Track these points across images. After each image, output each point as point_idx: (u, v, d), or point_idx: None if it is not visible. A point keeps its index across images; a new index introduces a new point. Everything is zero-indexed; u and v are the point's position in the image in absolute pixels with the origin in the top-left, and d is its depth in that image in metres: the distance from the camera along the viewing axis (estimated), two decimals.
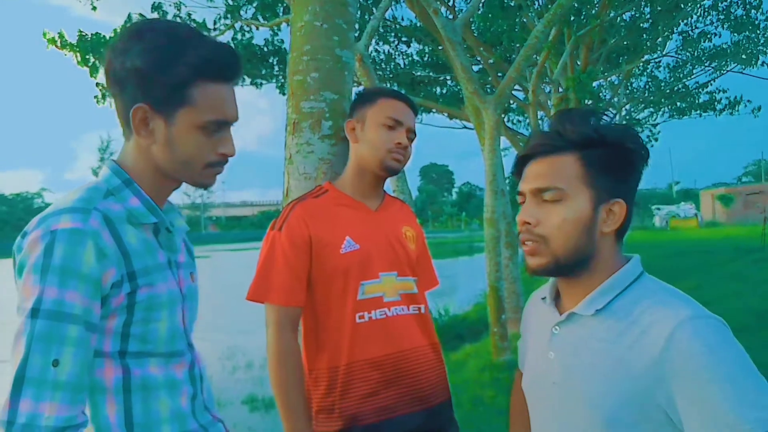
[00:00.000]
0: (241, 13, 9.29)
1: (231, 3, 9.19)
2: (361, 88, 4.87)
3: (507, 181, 8.78)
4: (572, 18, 8.64)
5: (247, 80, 10.75)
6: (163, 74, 1.13)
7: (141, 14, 8.23)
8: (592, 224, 1.10)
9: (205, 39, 1.17)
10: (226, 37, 9.63)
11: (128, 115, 1.16)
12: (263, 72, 10.43)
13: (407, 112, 1.89)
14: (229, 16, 9.23)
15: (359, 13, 9.43)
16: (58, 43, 8.40)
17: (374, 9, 7.36)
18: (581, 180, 1.10)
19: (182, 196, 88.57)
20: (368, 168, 1.86)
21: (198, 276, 1.39)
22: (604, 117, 1.13)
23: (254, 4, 9.32)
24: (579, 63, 10.78)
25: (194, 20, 9.21)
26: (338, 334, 1.77)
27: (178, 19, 9.02)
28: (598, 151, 1.10)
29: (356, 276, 1.78)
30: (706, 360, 0.95)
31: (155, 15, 8.75)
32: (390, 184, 4.93)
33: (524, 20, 9.50)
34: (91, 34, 8.51)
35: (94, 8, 8.50)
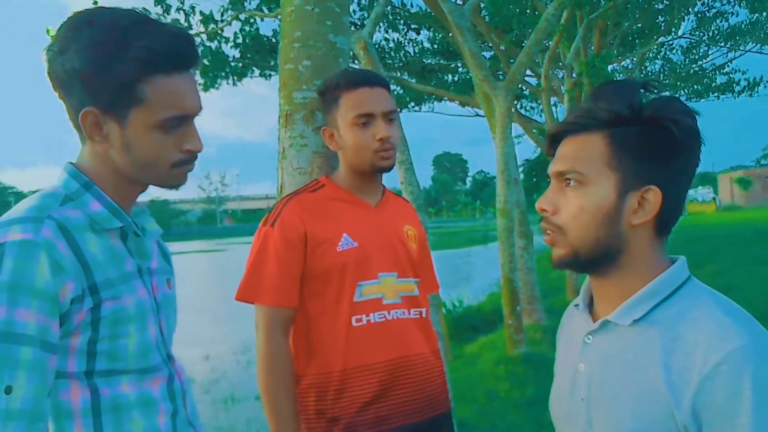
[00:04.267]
0: (245, 4, 9.17)
1: None
2: None
3: (521, 169, 8.61)
4: (584, 0, 8.39)
5: (256, 72, 10.68)
6: (106, 74, 1.01)
7: (144, 8, 8.14)
8: (617, 215, 0.95)
9: (153, 27, 1.05)
10: (233, 28, 9.54)
11: (78, 120, 1.06)
12: (271, 63, 10.32)
13: (374, 96, 1.68)
14: (232, 7, 9.11)
15: None
16: None
17: None
18: (606, 163, 0.95)
19: (197, 190, 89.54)
20: (361, 169, 1.74)
21: (175, 282, 1.30)
22: (651, 91, 0.97)
23: None
24: (592, 47, 10.53)
25: (201, 12, 9.13)
26: (332, 338, 1.67)
27: (182, 12, 8.93)
28: (629, 129, 0.94)
29: (354, 276, 1.67)
30: (749, 405, 0.82)
31: (158, 9, 8.67)
32: (398, 176, 4.80)
33: (535, 3, 9.28)
34: None
35: (96, 2, 8.43)
